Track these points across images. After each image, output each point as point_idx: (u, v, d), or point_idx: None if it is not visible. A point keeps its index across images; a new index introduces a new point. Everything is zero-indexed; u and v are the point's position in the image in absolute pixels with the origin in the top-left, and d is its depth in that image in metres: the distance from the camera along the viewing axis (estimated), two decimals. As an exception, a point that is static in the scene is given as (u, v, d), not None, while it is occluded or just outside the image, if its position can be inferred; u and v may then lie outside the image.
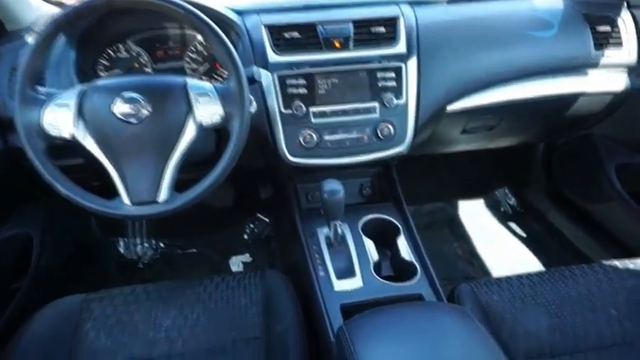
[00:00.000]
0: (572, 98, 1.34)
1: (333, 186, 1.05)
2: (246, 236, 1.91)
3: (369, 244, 1.18)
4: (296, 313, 1.04)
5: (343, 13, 1.17)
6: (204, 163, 0.93)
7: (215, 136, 1.10)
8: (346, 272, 1.11)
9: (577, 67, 1.29)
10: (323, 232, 1.20)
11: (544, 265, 1.76)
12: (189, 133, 0.87)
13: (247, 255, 1.84)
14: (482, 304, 1.06)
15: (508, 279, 1.12)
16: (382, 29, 1.16)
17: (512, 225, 1.97)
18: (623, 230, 1.57)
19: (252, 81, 0.97)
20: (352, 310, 0.97)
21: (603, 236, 1.64)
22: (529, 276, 1.13)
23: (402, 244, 1.19)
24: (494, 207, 2.06)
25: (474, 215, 2.02)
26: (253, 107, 0.96)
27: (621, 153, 1.55)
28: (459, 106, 1.25)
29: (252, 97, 0.93)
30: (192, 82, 0.89)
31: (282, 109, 1.11)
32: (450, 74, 1.20)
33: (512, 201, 2.05)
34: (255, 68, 1.00)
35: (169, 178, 0.88)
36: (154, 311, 1.03)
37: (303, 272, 1.14)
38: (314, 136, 1.14)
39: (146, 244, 1.83)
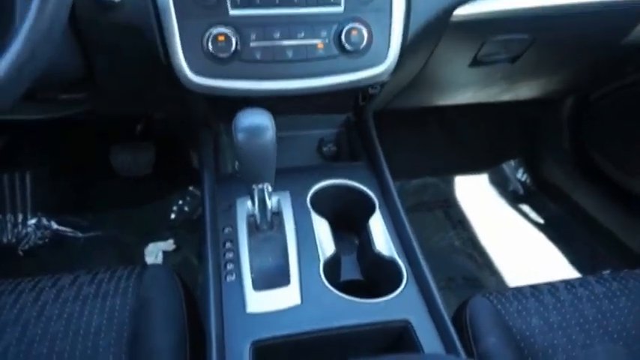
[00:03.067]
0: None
1: (253, 118, 0.59)
2: (173, 215, 1.43)
3: (322, 227, 0.72)
4: (175, 352, 0.58)
5: None
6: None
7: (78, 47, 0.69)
8: (275, 277, 0.64)
9: None
10: (244, 206, 0.73)
11: (572, 263, 1.33)
12: None
13: (171, 241, 1.37)
14: (518, 343, 0.60)
15: (569, 286, 0.67)
16: None
17: (525, 208, 1.52)
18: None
19: None
20: (275, 351, 0.50)
21: None
22: (604, 280, 0.68)
23: (378, 228, 0.74)
24: (501, 184, 1.65)
25: (476, 195, 1.61)
26: None
27: None
28: (472, 10, 0.80)
29: None
30: None
31: None
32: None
33: (525, 177, 1.64)
34: None
35: None
36: None
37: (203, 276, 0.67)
38: (232, 38, 0.68)
39: (31, 223, 1.33)
